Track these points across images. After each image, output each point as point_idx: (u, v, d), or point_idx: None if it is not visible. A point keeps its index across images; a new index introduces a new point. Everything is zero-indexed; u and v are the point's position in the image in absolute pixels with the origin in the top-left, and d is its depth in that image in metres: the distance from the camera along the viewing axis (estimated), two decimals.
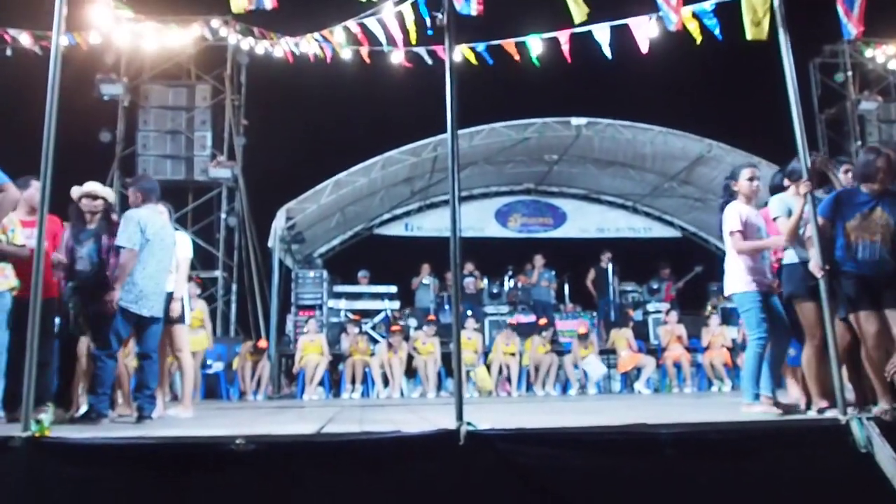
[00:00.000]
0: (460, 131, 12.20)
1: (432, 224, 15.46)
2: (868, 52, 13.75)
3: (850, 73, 14.62)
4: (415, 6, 5.26)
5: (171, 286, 5.88)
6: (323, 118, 13.74)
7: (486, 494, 3.83)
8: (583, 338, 11.17)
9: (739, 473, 3.99)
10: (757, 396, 4.99)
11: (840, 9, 5.31)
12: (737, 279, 5.10)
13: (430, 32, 5.25)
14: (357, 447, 3.77)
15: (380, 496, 3.73)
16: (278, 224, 12.46)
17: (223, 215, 13.10)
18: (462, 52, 6.91)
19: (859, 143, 14.12)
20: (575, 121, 12.99)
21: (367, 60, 7.83)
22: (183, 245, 6.19)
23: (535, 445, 3.91)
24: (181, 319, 6.07)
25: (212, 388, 10.78)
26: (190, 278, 9.43)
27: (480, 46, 6.90)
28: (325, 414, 6.00)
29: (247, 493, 3.61)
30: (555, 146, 14.00)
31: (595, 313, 13.16)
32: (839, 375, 4.46)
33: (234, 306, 13.09)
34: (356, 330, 11.47)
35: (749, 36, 4.84)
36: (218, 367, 10.91)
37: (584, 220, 16.18)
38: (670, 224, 16.38)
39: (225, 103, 13.15)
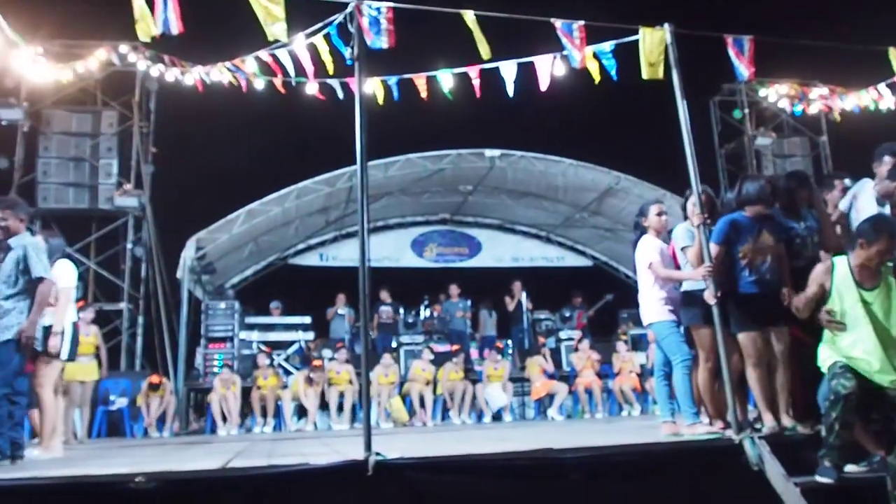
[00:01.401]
0: (376, 161, 12.45)
1: (348, 254, 15.38)
2: (762, 91, 14.59)
3: (747, 111, 15.46)
4: (327, 38, 5.30)
5: (48, 319, 5.55)
6: (236, 147, 13.59)
7: None
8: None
9: (641, 493, 4.13)
10: (696, 415, 5.13)
11: (731, 52, 5.69)
12: (653, 309, 5.30)
13: (349, 62, 5.31)
14: (264, 481, 3.71)
15: None
16: (188, 254, 12.15)
17: (129, 245, 12.63)
18: (373, 86, 6.99)
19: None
20: (489, 152, 13.26)
21: (282, 90, 7.81)
22: (64, 274, 5.79)
23: (443, 473, 3.94)
24: (58, 354, 5.67)
25: (115, 425, 10.33)
26: (86, 305, 9.04)
27: (392, 80, 6.99)
28: (233, 448, 5.86)
29: None
30: (470, 177, 14.24)
31: (510, 342, 13.38)
32: (733, 397, 4.69)
33: (140, 339, 12.60)
34: (267, 362, 11.24)
35: (645, 76, 5.11)
36: (122, 402, 10.45)
37: (499, 250, 16.45)
38: (582, 253, 16.81)
39: (133, 130, 12.78)
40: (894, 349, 4.00)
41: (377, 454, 3.83)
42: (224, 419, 10.44)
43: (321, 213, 14.27)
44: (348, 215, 14.53)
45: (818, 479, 3.97)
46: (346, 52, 4.76)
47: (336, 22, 4.97)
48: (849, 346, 4.07)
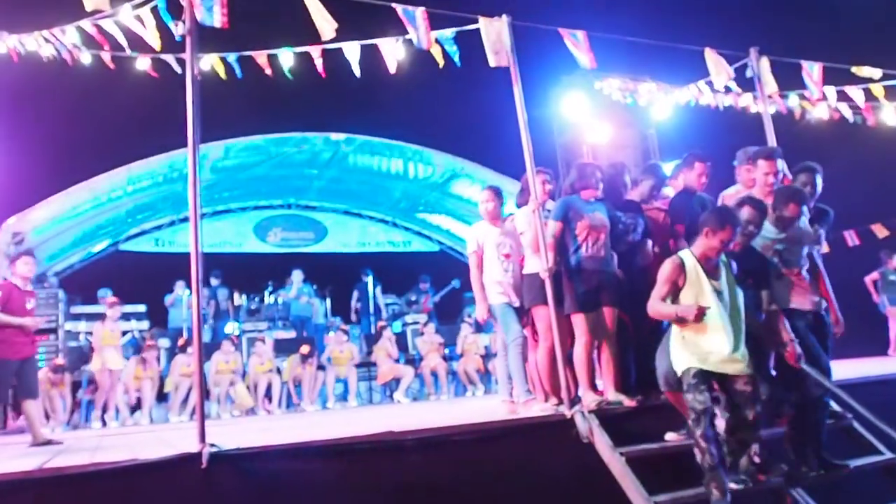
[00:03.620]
0: (217, 143, 11.95)
1: (186, 239, 14.68)
2: (597, 84, 15.33)
3: (587, 103, 16.16)
4: (154, 11, 5.00)
5: None
6: (62, 124, 12.52)
7: None
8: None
9: (479, 469, 4.28)
10: (529, 391, 5.34)
11: (569, 43, 5.94)
12: (489, 292, 5.52)
13: (178, 39, 5.03)
14: (87, 480, 3.49)
15: None
16: (3, 239, 11.10)
17: None
18: (211, 63, 6.70)
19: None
20: (334, 136, 13.10)
21: (111, 65, 7.29)
22: None
23: (282, 460, 3.88)
24: None
25: None
26: None
27: (231, 57, 6.72)
28: (54, 447, 5.46)
29: None
30: (315, 160, 14.00)
31: (358, 328, 13.39)
32: (565, 374, 4.95)
33: None
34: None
35: (492, 63, 5.28)
36: None
37: (345, 235, 16.32)
38: (428, 238, 17.03)
39: None
40: (740, 336, 4.10)
41: (212, 445, 3.71)
42: (48, 417, 9.69)
43: (157, 195, 13.50)
44: (185, 199, 13.82)
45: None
46: (175, 28, 4.52)
47: None
48: (704, 340, 4.09)
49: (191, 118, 4.28)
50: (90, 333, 11.57)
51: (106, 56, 7.11)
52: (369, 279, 14.34)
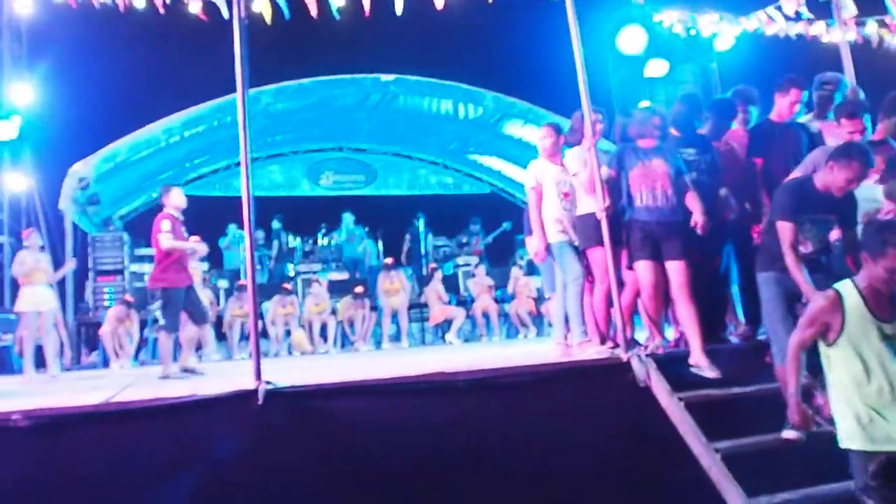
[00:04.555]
0: (267, 87, 11.96)
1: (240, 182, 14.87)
2: (656, 17, 14.75)
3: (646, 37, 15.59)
4: None
5: None
6: (120, 71, 12.69)
7: (289, 450, 3.84)
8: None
9: (530, 410, 4.27)
10: (585, 332, 5.24)
11: None
12: (550, 230, 5.40)
13: None
14: (149, 414, 3.63)
15: (178, 463, 3.63)
16: (70, 184, 11.44)
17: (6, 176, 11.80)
18: (261, 6, 6.67)
19: (648, 103, 15.23)
20: (384, 77, 12.98)
21: (161, 10, 7.32)
22: None
23: (336, 399, 3.97)
24: None
25: (2, 362, 9.84)
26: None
27: None
28: (122, 382, 5.70)
29: (28, 473, 3.36)
30: (365, 103, 13.92)
31: (410, 269, 13.51)
32: (622, 316, 4.88)
33: None
34: None
35: None
36: (7, 339, 9.94)
37: (396, 177, 16.33)
38: (479, 180, 16.91)
39: (3, 53, 11.72)
40: None
41: (268, 383, 3.81)
42: (117, 353, 10.12)
43: (212, 140, 13.67)
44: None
45: None
46: None
47: None
48: (874, 397, 3.05)
49: (238, 61, 4.28)
50: None
51: (157, 0, 7.13)
52: (420, 223, 14.37)
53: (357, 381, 4.18)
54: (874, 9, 7.35)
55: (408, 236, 14.39)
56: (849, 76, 6.28)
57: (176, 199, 6.92)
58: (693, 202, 4.84)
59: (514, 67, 14.40)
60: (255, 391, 3.74)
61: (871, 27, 7.75)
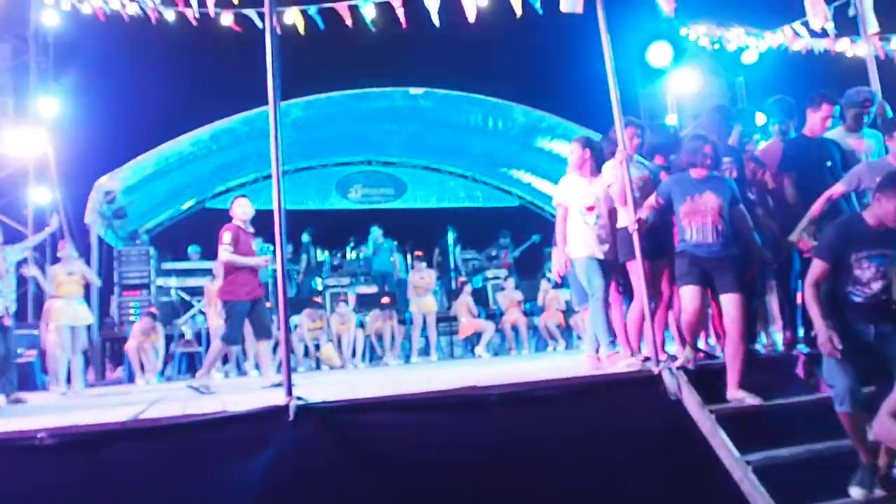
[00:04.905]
0: (297, 100, 11.99)
1: (269, 196, 14.89)
2: (682, 31, 14.64)
3: (671, 52, 15.47)
4: None
5: None
6: (147, 83, 12.84)
7: (321, 466, 3.77)
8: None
9: (563, 424, 4.20)
10: (614, 344, 5.19)
11: None
12: (572, 245, 5.35)
13: None
14: (178, 431, 3.57)
15: (209, 480, 3.57)
16: (96, 198, 11.52)
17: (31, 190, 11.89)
18: (293, 18, 6.69)
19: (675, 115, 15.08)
20: (413, 90, 12.97)
21: (194, 22, 7.38)
22: None
23: (368, 414, 3.90)
24: None
25: (26, 377, 9.86)
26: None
27: (312, 9, 6.69)
28: (148, 399, 5.67)
29: (55, 491, 3.31)
30: (394, 116, 13.93)
31: (440, 283, 13.46)
32: (652, 330, 4.78)
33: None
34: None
35: (563, 8, 5.01)
36: (31, 354, 9.97)
37: (425, 190, 16.29)
38: (508, 193, 16.83)
39: (30, 65, 11.88)
40: None
41: (299, 398, 3.74)
42: (143, 368, 10.13)
43: (240, 153, 13.75)
44: (269, 156, 13.97)
45: None
46: None
47: None
48: None
49: (270, 72, 4.24)
50: (181, 289, 12.01)
51: (189, 12, 7.18)
52: (450, 236, 14.34)
53: (388, 395, 4.11)
54: None
55: (437, 249, 14.35)
56: (874, 91, 6.23)
57: (239, 210, 6.82)
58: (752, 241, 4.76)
59: (543, 81, 14.37)
60: (286, 407, 3.67)
61: (894, 43, 7.69)
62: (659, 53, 15.42)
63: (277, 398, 3.81)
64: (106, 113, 12.08)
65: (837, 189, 4.71)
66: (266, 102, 4.30)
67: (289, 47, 5.76)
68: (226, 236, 6.45)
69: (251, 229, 6.87)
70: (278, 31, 4.46)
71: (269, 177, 14.63)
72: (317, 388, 5.11)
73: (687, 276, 4.63)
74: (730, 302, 4.53)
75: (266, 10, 4.46)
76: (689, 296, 4.62)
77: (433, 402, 4.04)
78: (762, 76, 12.22)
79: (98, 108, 12.19)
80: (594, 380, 4.67)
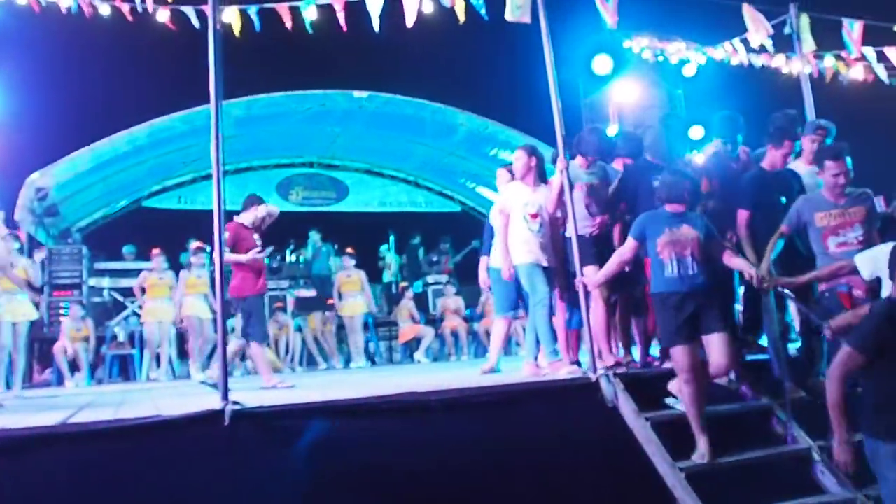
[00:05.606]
0: (237, 99, 11.80)
1: (208, 197, 14.64)
2: (626, 43, 14.96)
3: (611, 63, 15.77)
4: None
5: None
6: (83, 79, 12.46)
7: (258, 472, 3.72)
8: None
9: (502, 429, 4.24)
10: (556, 352, 5.25)
11: (596, 1, 5.77)
12: (515, 252, 5.42)
13: None
14: (110, 436, 3.48)
15: (142, 485, 3.49)
16: (27, 194, 11.12)
17: None
18: (231, 17, 6.58)
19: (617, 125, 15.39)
20: (357, 93, 12.91)
21: (130, 18, 7.19)
22: None
23: (305, 419, 3.86)
24: None
25: None
26: None
27: (252, 10, 6.60)
28: (79, 402, 5.50)
29: None
30: (337, 118, 13.84)
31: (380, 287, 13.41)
32: (590, 336, 4.87)
33: None
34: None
35: (509, 17, 5.07)
36: None
37: (367, 194, 16.21)
38: (450, 198, 16.89)
39: None
40: None
41: (234, 403, 3.69)
42: (72, 370, 9.80)
43: (179, 153, 13.45)
44: (208, 156, 13.71)
45: None
46: None
47: None
48: None
49: (212, 72, 4.19)
50: (114, 289, 11.68)
51: (124, 8, 7.00)
52: (391, 241, 14.31)
53: (327, 401, 4.08)
54: (834, 43, 7.59)
55: (382, 255, 14.24)
56: (808, 106, 6.50)
57: (248, 210, 7.01)
58: (735, 261, 4.62)
59: (488, 88, 14.48)
60: (222, 411, 3.61)
61: (829, 61, 8.00)
62: (601, 63, 15.75)
63: (213, 402, 3.75)
64: (40, 108, 11.66)
65: (782, 229, 4.81)
66: (206, 101, 4.24)
67: (231, 46, 5.67)
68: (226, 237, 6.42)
69: (251, 226, 6.96)
70: (220, 28, 4.38)
71: (207, 177, 14.47)
72: (254, 393, 5.05)
73: (676, 336, 4.36)
74: (718, 342, 4.35)
75: (209, 8, 4.40)
76: (682, 355, 4.33)
77: (373, 408, 4.03)
78: (702, 89, 12.58)
79: (32, 102, 11.74)
80: (534, 386, 4.73)
